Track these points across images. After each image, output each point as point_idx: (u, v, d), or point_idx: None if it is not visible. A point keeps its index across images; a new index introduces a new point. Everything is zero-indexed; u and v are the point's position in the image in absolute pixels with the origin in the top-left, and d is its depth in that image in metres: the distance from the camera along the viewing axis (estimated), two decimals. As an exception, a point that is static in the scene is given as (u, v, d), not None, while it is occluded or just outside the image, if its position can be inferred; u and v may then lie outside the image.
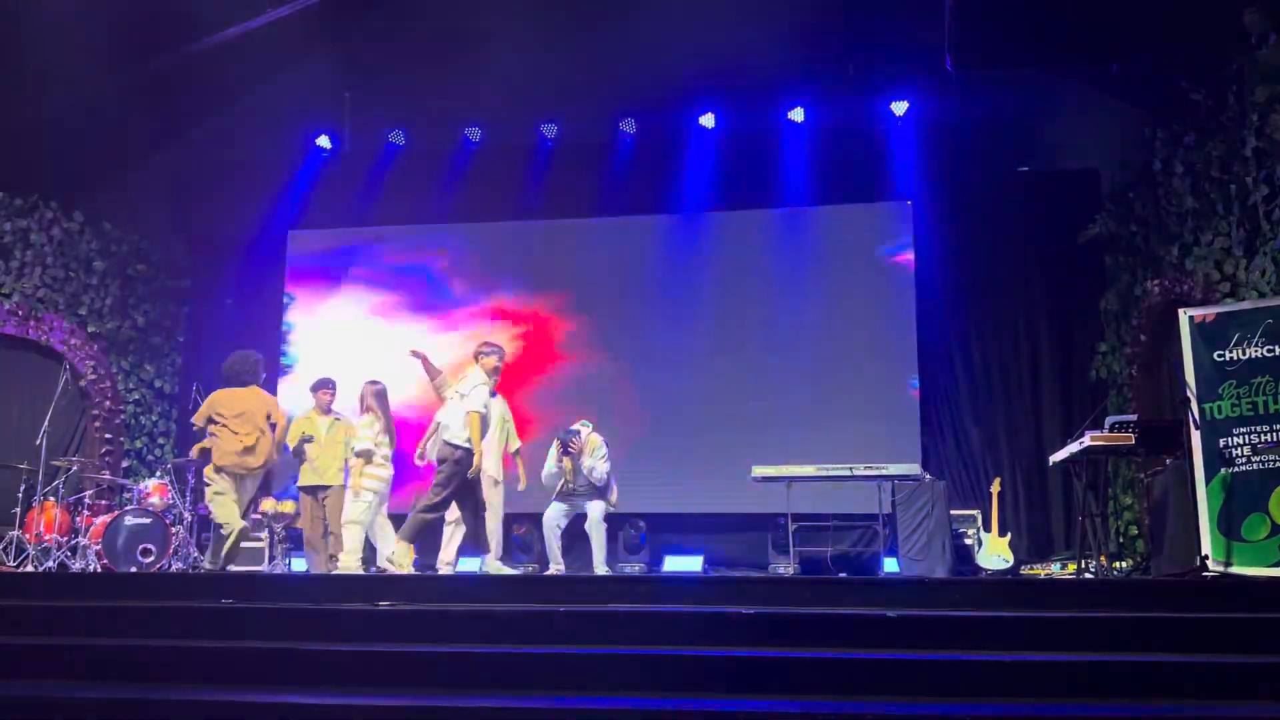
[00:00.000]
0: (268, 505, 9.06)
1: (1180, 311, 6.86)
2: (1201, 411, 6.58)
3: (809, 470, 8.51)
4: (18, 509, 8.75)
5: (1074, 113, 9.75)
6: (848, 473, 8.40)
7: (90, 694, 4.41)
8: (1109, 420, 7.00)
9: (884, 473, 8.33)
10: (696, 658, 4.53)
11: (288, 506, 8.94)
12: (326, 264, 10.98)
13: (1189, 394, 6.62)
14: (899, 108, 9.87)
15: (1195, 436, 6.60)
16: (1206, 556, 6.37)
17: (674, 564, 9.09)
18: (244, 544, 9.03)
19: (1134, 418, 7.19)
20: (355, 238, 10.99)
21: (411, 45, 10.77)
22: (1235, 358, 6.54)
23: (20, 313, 9.93)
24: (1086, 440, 6.84)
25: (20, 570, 8.28)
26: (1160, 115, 8.40)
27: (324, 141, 10.79)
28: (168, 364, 10.90)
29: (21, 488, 8.78)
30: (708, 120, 10.23)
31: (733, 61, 10.11)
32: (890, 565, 8.35)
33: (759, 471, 8.54)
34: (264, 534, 9.16)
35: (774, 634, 4.79)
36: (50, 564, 8.36)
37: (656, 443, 8.97)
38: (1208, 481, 6.53)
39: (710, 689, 4.27)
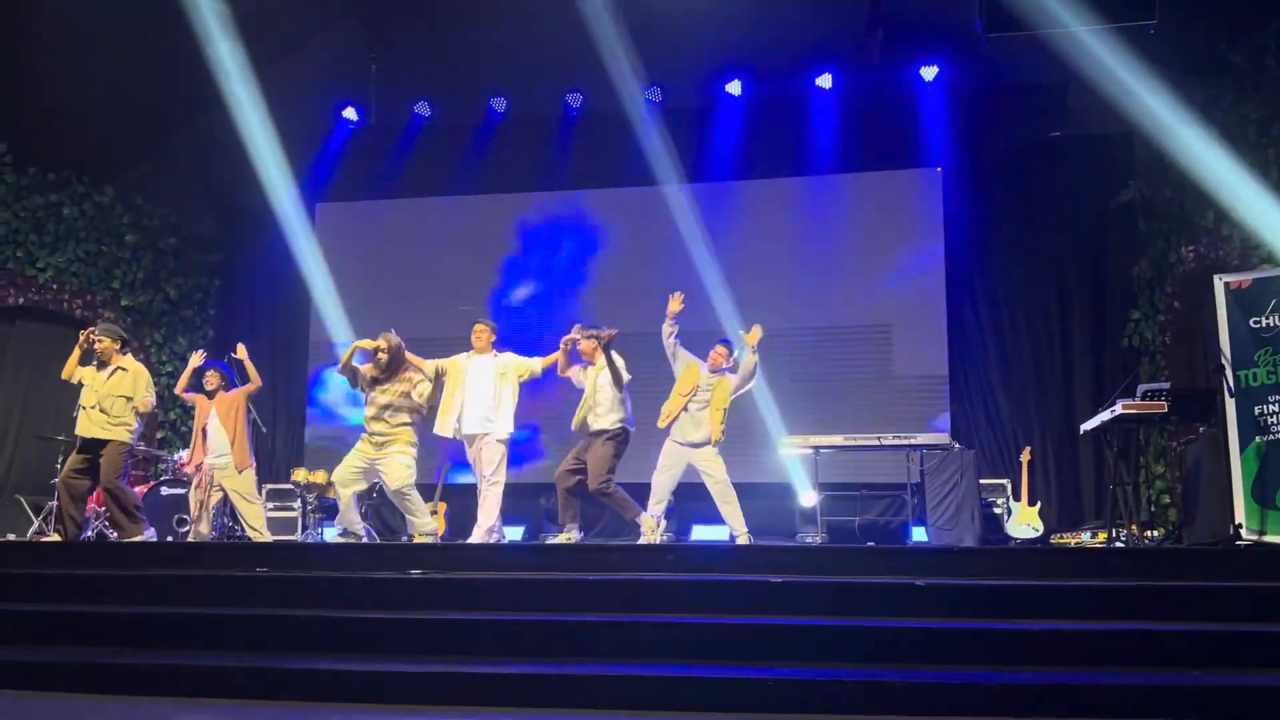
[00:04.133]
0: (300, 475, 9.17)
1: (1216, 278, 6.78)
2: (1236, 379, 6.51)
3: (837, 440, 8.49)
4: (56, 480, 8.90)
5: (1108, 75, 9.57)
6: (876, 442, 8.37)
7: (128, 660, 4.50)
8: (1141, 388, 6.92)
9: (912, 442, 8.30)
10: (725, 625, 4.56)
11: (319, 476, 9.04)
12: (354, 236, 11.02)
13: (1224, 361, 6.54)
14: (928, 73, 9.74)
15: (1230, 404, 6.54)
16: (1240, 525, 6.32)
17: (702, 533, 9.13)
18: (276, 514, 9.25)
19: (1167, 386, 7.11)
20: (382, 210, 11.00)
21: (436, 15, 10.73)
22: (1272, 324, 6.45)
23: (54, 286, 10.05)
24: (1118, 409, 6.78)
25: (60, 540, 8.44)
26: (1197, 77, 8.24)
27: (350, 114, 10.80)
28: (199, 336, 11.00)
29: (59, 459, 8.93)
30: (734, 88, 10.13)
31: (759, 28, 9.99)
32: (919, 534, 8.34)
33: (787, 441, 8.52)
34: (296, 504, 9.28)
35: (802, 602, 4.81)
36: (89, 534, 8.51)
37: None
38: (1242, 450, 6.47)
39: (739, 657, 4.29)
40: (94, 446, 7.02)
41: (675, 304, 7.17)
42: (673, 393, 7.23)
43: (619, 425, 7.01)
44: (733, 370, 7.30)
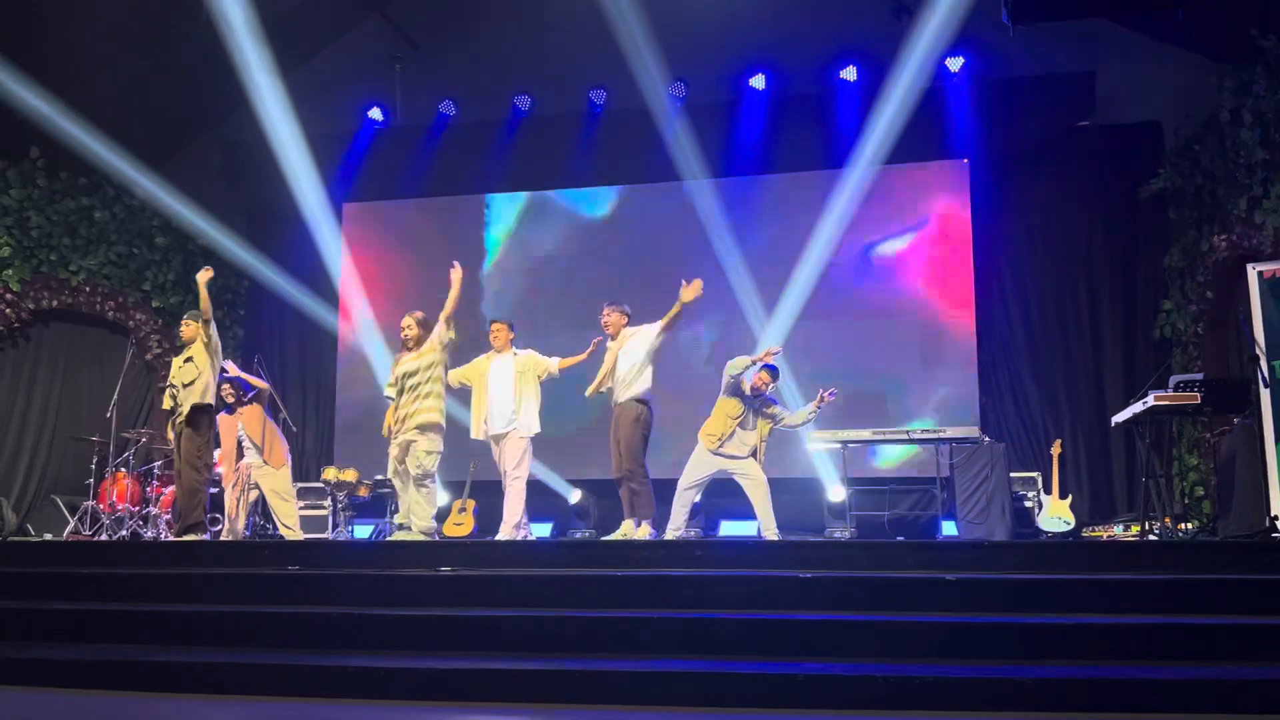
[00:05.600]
0: (330, 473, 9.24)
1: (1249, 267, 6.70)
2: (1270, 369, 6.43)
3: (865, 434, 8.45)
4: (91, 480, 9.04)
5: (1136, 63, 9.47)
6: (904, 437, 8.33)
7: (162, 657, 4.56)
8: (1174, 379, 6.85)
9: (941, 436, 8.25)
10: (754, 621, 4.55)
11: (349, 474, 9.10)
12: (381, 236, 11.08)
13: (1258, 351, 6.47)
14: (954, 64, 9.66)
15: (1264, 395, 6.46)
16: (1276, 517, 6.24)
17: (730, 529, 9.12)
18: (307, 512, 9.34)
19: (1200, 377, 7.02)
20: (409, 209, 11.06)
21: (461, 15, 10.78)
22: (1307, 313, 6.36)
23: (87, 289, 10.18)
24: (1150, 400, 6.71)
25: (95, 539, 8.56)
26: (1227, 63, 8.13)
27: (376, 114, 10.86)
28: (229, 337, 11.10)
29: (94, 460, 9.07)
30: (758, 82, 10.10)
31: (783, 22, 9.96)
32: (949, 528, 8.28)
33: (815, 436, 8.49)
34: (327, 502, 9.35)
35: (831, 598, 4.79)
36: (123, 532, 8.62)
37: (710, 407, 8.95)
38: (1277, 441, 6.40)
39: (768, 652, 4.29)
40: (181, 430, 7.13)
41: (767, 356, 7.21)
42: (719, 414, 7.21)
43: (643, 395, 7.00)
44: (774, 399, 7.36)
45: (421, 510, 6.88)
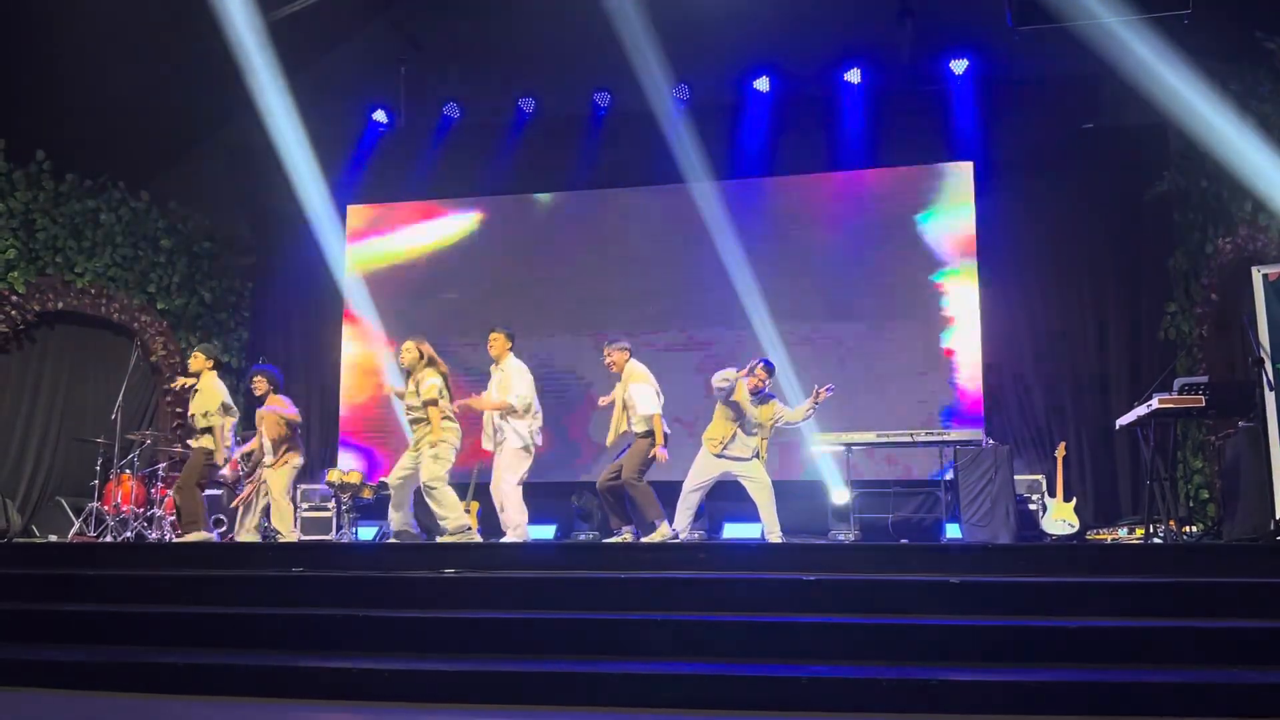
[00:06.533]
0: (334, 475, 9.24)
1: (1254, 269, 6.68)
2: (1275, 372, 6.41)
3: (869, 437, 8.44)
4: (96, 481, 9.05)
5: (1141, 65, 9.45)
6: (909, 439, 8.32)
7: (166, 658, 4.57)
8: (1178, 382, 6.84)
9: (945, 438, 8.23)
10: (757, 624, 4.55)
11: (354, 476, 9.10)
12: (385, 238, 11.09)
13: (1262, 354, 6.45)
14: (958, 66, 9.65)
15: (1269, 398, 6.44)
16: (1281, 520, 6.22)
17: (733, 531, 9.11)
18: (311, 514, 9.37)
19: (1204, 379, 7.01)
20: (413, 211, 11.07)
21: (464, 17, 10.79)
22: (1312, 316, 6.35)
23: (93, 291, 10.20)
24: (1155, 403, 6.70)
25: (100, 540, 8.57)
26: (1233, 66, 8.12)
27: (380, 116, 10.88)
28: (234, 339, 11.12)
29: (99, 461, 9.09)
30: (762, 84, 10.10)
31: (787, 24, 9.96)
32: (953, 531, 8.28)
33: (818, 438, 8.49)
34: (331, 504, 9.36)
35: (836, 600, 4.79)
36: (128, 534, 8.63)
37: (712, 410, 8.95)
38: (1282, 444, 6.37)
39: (772, 655, 4.29)
40: None
41: (756, 380, 7.25)
42: (719, 418, 7.26)
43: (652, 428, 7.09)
44: (773, 395, 7.35)
45: (444, 512, 6.94)
